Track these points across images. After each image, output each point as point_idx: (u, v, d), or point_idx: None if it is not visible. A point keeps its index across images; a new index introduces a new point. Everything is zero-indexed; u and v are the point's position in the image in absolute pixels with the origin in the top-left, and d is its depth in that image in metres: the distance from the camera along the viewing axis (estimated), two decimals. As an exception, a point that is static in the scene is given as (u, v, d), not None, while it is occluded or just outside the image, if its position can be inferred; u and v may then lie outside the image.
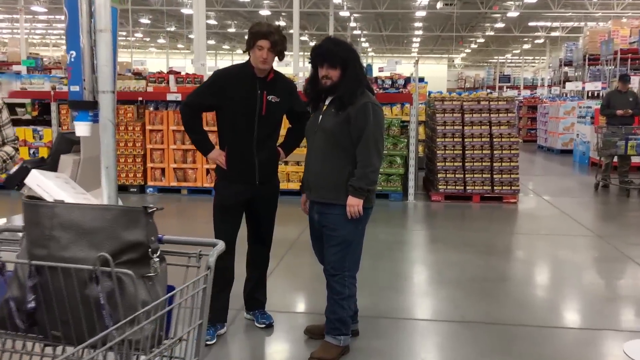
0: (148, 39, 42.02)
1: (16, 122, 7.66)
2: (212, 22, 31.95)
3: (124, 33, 34.99)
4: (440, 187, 8.25)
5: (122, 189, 8.59)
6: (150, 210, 1.47)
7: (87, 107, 2.57)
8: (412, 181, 8.30)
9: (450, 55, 47.54)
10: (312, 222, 3.36)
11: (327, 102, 3.24)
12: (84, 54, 2.54)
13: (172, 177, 8.48)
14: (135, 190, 8.59)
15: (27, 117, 9.17)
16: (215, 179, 3.62)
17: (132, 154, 8.51)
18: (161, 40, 40.00)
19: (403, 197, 8.27)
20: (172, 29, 33.81)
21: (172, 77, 8.59)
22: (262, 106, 3.38)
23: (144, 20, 32.74)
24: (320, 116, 3.23)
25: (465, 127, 8.26)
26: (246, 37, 3.43)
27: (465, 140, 8.24)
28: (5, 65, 20.33)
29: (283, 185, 8.50)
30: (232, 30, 33.63)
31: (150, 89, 8.63)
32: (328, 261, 3.23)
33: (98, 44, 2.52)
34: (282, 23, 30.53)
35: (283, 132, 3.71)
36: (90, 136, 2.68)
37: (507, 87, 30.47)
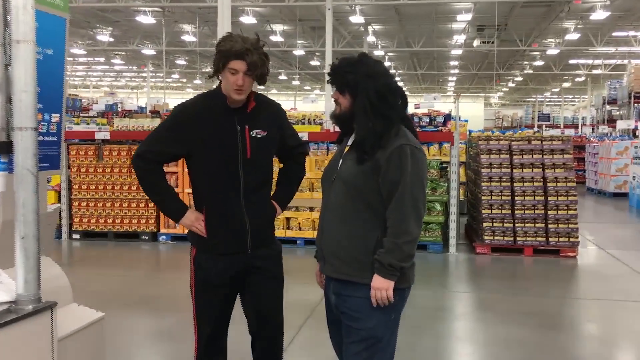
0: (185, 80, 42.55)
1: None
2: (245, 62, 31.91)
3: (161, 74, 35.44)
4: (486, 237, 7.24)
5: (133, 236, 7.89)
6: None
7: (-2, 151, 1.82)
8: (454, 230, 7.33)
9: (486, 94, 46.53)
10: (329, 303, 2.47)
11: (349, 142, 2.41)
12: (-6, 75, 1.80)
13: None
14: (147, 237, 7.85)
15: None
16: (192, 252, 2.64)
17: (145, 198, 7.81)
18: (197, 81, 40.40)
19: (443, 248, 7.29)
20: (207, 69, 34.02)
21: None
22: (246, 146, 2.50)
23: (180, 62, 33.03)
24: (341, 160, 2.39)
25: (515, 170, 7.28)
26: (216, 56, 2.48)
27: (515, 184, 7.25)
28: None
29: (308, 234, 7.70)
30: (265, 70, 33.52)
31: (165, 128, 7.99)
32: (348, 364, 2.32)
33: (14, 60, 1.77)
34: (316, 62, 30.29)
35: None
36: (9, 191, 1.92)
37: (546, 126, 29.34)
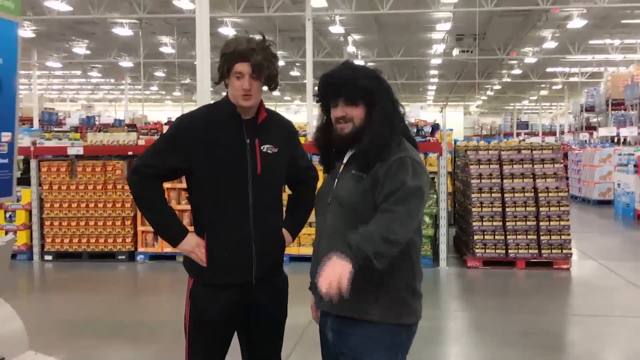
0: (164, 92, 42.01)
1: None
2: (225, 73, 31.58)
3: (140, 87, 34.94)
4: (477, 250, 7.02)
5: (109, 256, 7.50)
6: None
7: None
8: (444, 244, 7.11)
9: (466, 103, 46.81)
10: (325, 341, 2.19)
11: (345, 160, 2.14)
12: None
13: (166, 242, 7.36)
14: (124, 257, 7.45)
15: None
16: (189, 283, 2.34)
17: (121, 216, 7.45)
18: (176, 93, 39.90)
19: (434, 262, 7.06)
20: (187, 81, 33.59)
21: (165, 128, 7.63)
22: (257, 161, 2.24)
23: (159, 74, 32.56)
24: (336, 180, 2.13)
25: (505, 180, 7.10)
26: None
27: (506, 195, 7.06)
28: (20, 121, 20.01)
29: (293, 250, 7.40)
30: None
31: (142, 142, 7.66)
32: (350, 412, 2.04)
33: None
34: (296, 73, 30.10)
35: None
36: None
37: (525, 134, 29.54)
